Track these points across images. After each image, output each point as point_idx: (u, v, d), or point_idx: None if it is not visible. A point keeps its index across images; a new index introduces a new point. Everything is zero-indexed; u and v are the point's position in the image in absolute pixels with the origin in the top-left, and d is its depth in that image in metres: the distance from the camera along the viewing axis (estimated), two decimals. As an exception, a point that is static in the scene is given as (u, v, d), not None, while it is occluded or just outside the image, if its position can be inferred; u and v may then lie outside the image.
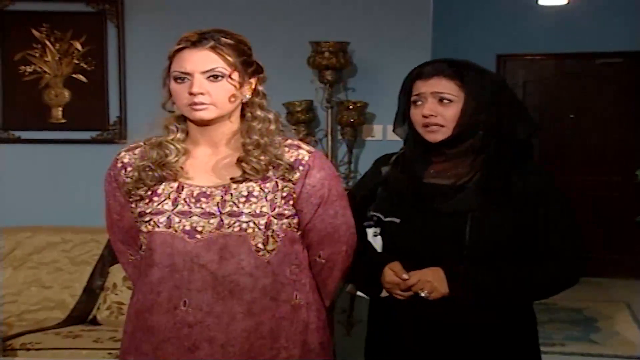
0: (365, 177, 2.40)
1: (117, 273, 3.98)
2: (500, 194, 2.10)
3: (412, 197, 2.17)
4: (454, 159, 2.16)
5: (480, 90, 2.13)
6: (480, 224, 2.08)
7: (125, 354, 2.04)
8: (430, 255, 2.11)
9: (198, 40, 1.95)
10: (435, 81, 2.14)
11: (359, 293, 2.31)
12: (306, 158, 2.01)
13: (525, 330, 2.21)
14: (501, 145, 2.14)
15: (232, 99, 1.98)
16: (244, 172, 1.96)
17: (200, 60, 1.94)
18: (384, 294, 2.19)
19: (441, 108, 2.13)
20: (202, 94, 1.93)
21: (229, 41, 1.97)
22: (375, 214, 2.21)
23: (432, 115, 2.13)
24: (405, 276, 2.11)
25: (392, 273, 2.14)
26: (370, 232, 2.21)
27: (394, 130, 2.31)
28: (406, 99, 2.22)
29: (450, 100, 2.12)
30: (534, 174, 2.14)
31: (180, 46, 1.96)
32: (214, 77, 1.94)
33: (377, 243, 2.21)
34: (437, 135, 2.14)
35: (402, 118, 2.24)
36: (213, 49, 1.95)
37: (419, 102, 2.16)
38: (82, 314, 4.03)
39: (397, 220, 2.17)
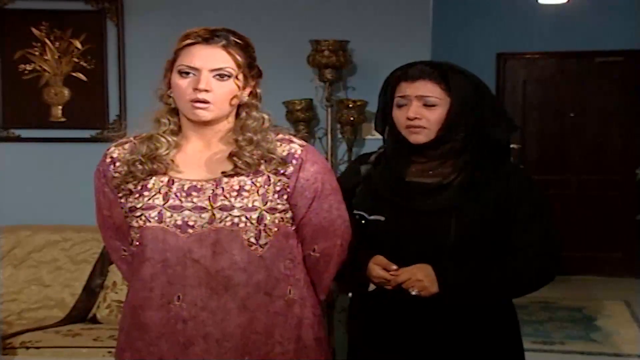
0: (343, 177, 2.39)
1: (116, 271, 3.97)
2: (482, 192, 2.12)
3: (395, 195, 2.18)
4: (435, 160, 2.18)
5: (464, 93, 2.15)
6: (464, 222, 2.10)
7: (121, 352, 2.04)
8: (414, 252, 2.12)
9: (210, 37, 1.94)
10: (421, 84, 2.15)
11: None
12: (299, 152, 2.01)
13: (506, 327, 2.23)
14: (482, 147, 2.16)
15: (234, 101, 1.98)
16: (236, 166, 1.95)
17: (211, 58, 1.93)
18: (371, 287, 2.19)
19: (426, 111, 2.14)
20: (207, 91, 1.92)
21: (239, 42, 1.97)
22: (358, 212, 2.21)
23: (417, 118, 2.14)
24: (394, 267, 2.12)
25: (379, 267, 2.14)
26: None
27: (375, 129, 2.32)
28: (387, 99, 2.23)
29: (435, 104, 2.14)
30: (512, 174, 2.18)
31: (191, 41, 1.95)
32: (221, 76, 1.94)
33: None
34: (419, 137, 2.16)
35: (383, 118, 2.25)
36: (224, 47, 1.94)
37: (403, 104, 2.17)
38: (81, 313, 4.03)
39: (382, 218, 2.18)
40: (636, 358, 4.84)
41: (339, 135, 4.26)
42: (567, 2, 6.68)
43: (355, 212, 2.21)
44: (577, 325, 5.54)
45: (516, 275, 2.15)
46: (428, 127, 2.14)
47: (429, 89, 2.14)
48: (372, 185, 2.24)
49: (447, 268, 2.10)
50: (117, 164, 2.03)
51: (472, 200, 2.12)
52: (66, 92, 4.39)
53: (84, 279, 4.10)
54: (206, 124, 1.98)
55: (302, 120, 4.12)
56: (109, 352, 3.57)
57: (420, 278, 2.09)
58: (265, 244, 1.96)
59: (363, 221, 2.20)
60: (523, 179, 2.20)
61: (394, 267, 2.12)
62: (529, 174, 2.26)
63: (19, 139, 4.42)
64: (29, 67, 4.36)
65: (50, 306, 4.07)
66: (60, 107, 4.40)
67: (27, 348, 3.65)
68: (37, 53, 4.36)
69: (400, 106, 2.18)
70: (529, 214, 2.13)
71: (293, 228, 2.04)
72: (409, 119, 2.15)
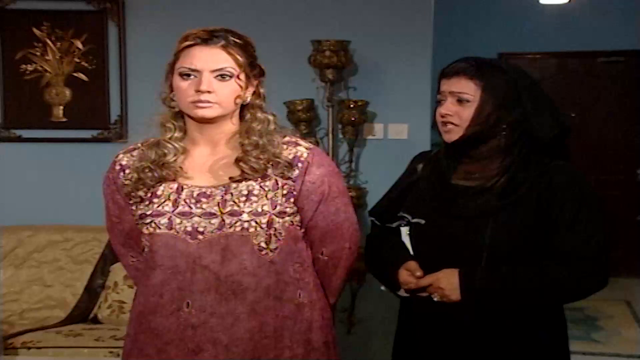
0: (402, 175, 2.34)
1: (118, 272, 3.98)
2: (523, 195, 2.05)
3: (436, 199, 2.14)
4: (481, 159, 2.12)
5: (500, 89, 2.08)
6: (500, 229, 2.04)
7: (128, 357, 2.03)
8: (450, 257, 2.07)
9: (209, 38, 1.94)
10: (455, 80, 2.10)
11: (382, 287, 2.29)
12: (305, 155, 2.01)
13: (551, 334, 2.15)
14: (527, 145, 2.09)
15: (238, 100, 1.97)
16: (243, 171, 1.95)
17: (211, 59, 1.93)
18: (402, 293, 2.17)
19: (459, 108, 2.09)
20: (209, 92, 1.91)
21: (238, 41, 1.96)
22: (404, 214, 2.18)
23: (448, 114, 2.10)
24: (419, 274, 2.09)
25: (407, 273, 2.12)
26: (404, 231, 2.19)
27: (432, 128, 2.25)
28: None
29: (468, 101, 2.08)
30: (557, 173, 2.08)
31: (190, 42, 1.94)
32: (222, 76, 1.93)
33: (409, 243, 2.19)
34: (451, 135, 2.11)
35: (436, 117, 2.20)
36: (224, 47, 1.94)
37: (442, 101, 2.14)
38: (83, 313, 4.03)
39: (423, 222, 2.14)
40: (637, 358, 4.83)
41: (340, 136, 4.25)
42: (569, 2, 6.69)
43: (401, 213, 2.18)
44: (579, 326, 5.53)
45: (555, 281, 2.04)
46: (459, 124, 2.09)
47: (462, 85, 2.09)
48: (420, 187, 2.20)
49: (473, 275, 2.04)
50: (127, 171, 2.03)
51: (511, 204, 2.05)
52: (67, 92, 4.38)
53: (86, 279, 4.10)
54: (211, 123, 1.98)
55: (303, 120, 4.11)
56: (110, 352, 3.57)
57: (441, 286, 2.05)
58: (276, 248, 1.96)
59: (404, 222, 2.17)
60: (568, 178, 2.08)
61: (419, 273, 2.09)
62: (577, 172, 2.12)
63: (20, 139, 4.41)
64: (30, 68, 4.35)
65: (51, 306, 4.07)
66: (61, 108, 4.39)
67: (29, 348, 3.65)
68: (38, 53, 4.35)
69: (440, 104, 2.14)
70: (572, 215, 2.03)
71: (302, 231, 2.03)
72: (441, 115, 2.12)
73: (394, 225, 2.21)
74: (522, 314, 2.08)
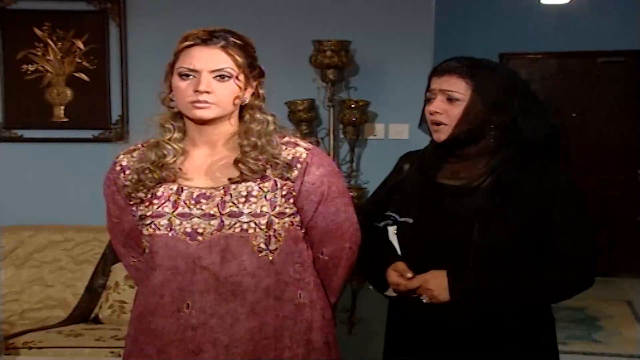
0: (389, 175, 2.34)
1: (119, 272, 3.98)
2: (512, 196, 2.05)
3: (423, 198, 2.14)
4: (468, 159, 2.12)
5: (491, 89, 2.07)
6: (488, 228, 2.03)
7: (128, 357, 2.04)
8: (438, 257, 2.07)
9: (209, 38, 1.93)
10: (446, 79, 2.09)
11: (370, 287, 2.29)
12: (304, 155, 2.00)
13: (541, 332, 2.16)
14: (516, 146, 2.09)
15: (236, 101, 1.97)
16: (241, 173, 1.95)
17: (210, 59, 1.92)
18: (390, 292, 2.16)
19: (449, 107, 2.08)
20: (207, 92, 1.91)
21: (238, 42, 1.96)
22: (391, 213, 2.18)
23: (437, 112, 2.09)
24: (409, 275, 2.08)
25: (395, 274, 2.11)
26: (391, 231, 2.18)
27: (419, 127, 2.24)
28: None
29: (457, 99, 2.07)
30: (548, 175, 2.08)
31: (190, 43, 1.94)
32: (222, 77, 1.93)
33: (396, 243, 2.18)
34: (440, 134, 2.11)
35: (423, 115, 2.19)
36: (223, 48, 1.93)
37: (431, 99, 2.13)
38: (84, 313, 4.03)
39: (410, 221, 2.13)
40: (638, 358, 4.83)
41: (341, 136, 4.26)
42: (570, 2, 6.68)
43: (389, 213, 2.18)
44: (580, 326, 5.54)
45: (551, 282, 2.05)
46: (448, 123, 2.08)
47: (452, 84, 2.08)
48: (406, 186, 2.20)
49: (462, 275, 2.04)
50: (127, 172, 2.03)
51: (499, 204, 2.04)
52: (68, 92, 4.38)
53: (86, 279, 4.11)
54: (209, 124, 1.97)
55: (304, 120, 4.12)
56: (111, 352, 3.58)
57: (430, 287, 2.05)
58: (276, 249, 1.95)
59: (391, 222, 2.17)
60: (559, 179, 2.08)
61: (409, 274, 2.09)
62: (567, 174, 2.12)
63: (21, 139, 4.42)
64: (31, 68, 4.36)
65: (52, 306, 4.08)
66: (62, 108, 4.39)
67: (30, 348, 3.66)
68: (39, 53, 4.36)
69: (429, 102, 2.13)
70: (565, 217, 2.04)
71: (302, 232, 2.03)
72: (430, 113, 2.11)
73: (382, 224, 2.20)
74: (512, 314, 2.08)
